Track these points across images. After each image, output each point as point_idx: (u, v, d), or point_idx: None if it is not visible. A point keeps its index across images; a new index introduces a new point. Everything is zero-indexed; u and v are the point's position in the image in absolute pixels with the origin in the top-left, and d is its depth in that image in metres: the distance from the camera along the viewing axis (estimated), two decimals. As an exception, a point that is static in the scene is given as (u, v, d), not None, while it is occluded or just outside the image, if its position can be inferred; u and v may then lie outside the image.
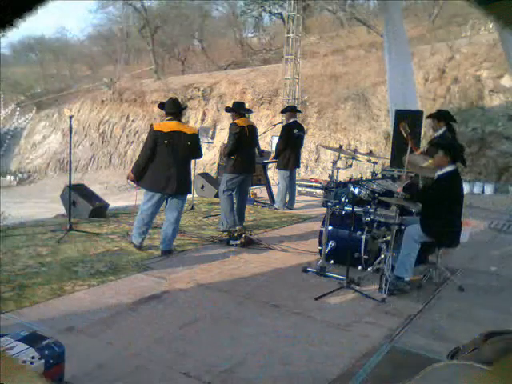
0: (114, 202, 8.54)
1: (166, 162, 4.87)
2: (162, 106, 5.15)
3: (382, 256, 4.40)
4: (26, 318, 3.31)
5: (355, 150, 6.05)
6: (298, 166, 8.36)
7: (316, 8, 25.25)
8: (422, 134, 8.47)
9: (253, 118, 15.05)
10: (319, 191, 9.36)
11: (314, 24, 24.47)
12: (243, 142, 6.03)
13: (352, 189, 4.67)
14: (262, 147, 9.19)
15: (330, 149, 6.56)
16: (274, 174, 11.49)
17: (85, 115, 22.83)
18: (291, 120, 7.90)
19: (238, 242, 5.51)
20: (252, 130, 6.25)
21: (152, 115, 20.14)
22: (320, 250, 4.95)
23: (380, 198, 4.74)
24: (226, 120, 16.94)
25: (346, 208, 4.94)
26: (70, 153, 6.13)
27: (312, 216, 7.53)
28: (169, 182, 4.88)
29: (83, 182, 8.35)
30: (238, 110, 6.21)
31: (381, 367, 2.90)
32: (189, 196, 5.67)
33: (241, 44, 27.02)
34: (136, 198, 5.33)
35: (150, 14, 25.38)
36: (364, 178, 5.21)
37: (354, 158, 5.06)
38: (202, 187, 8.97)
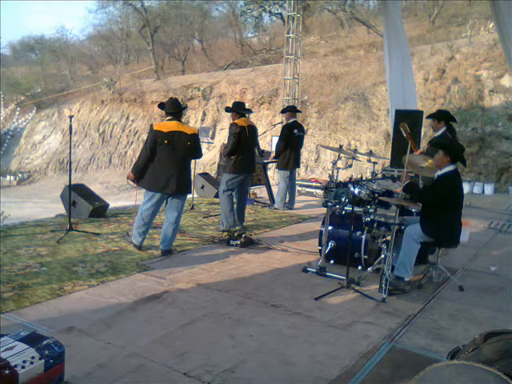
0: (113, 202, 8.56)
1: (166, 161, 4.87)
2: (162, 106, 5.15)
3: (382, 256, 4.39)
4: (26, 318, 3.32)
5: (355, 149, 6.04)
6: (298, 166, 8.36)
7: (316, 8, 25.23)
8: (422, 134, 8.46)
9: (253, 118, 15.05)
10: (319, 191, 9.37)
11: (314, 24, 24.44)
12: (243, 141, 6.03)
13: (352, 189, 4.66)
14: (262, 147, 9.19)
15: (330, 149, 6.56)
16: (274, 174, 11.50)
17: (85, 115, 22.83)
18: (291, 120, 7.90)
19: (238, 241, 5.52)
20: (252, 129, 6.25)
21: (152, 115, 20.14)
22: (320, 250, 4.95)
23: (380, 198, 4.74)
24: (226, 120, 16.94)
25: (346, 208, 4.93)
26: (70, 153, 6.14)
27: (312, 216, 7.53)
28: (169, 182, 4.88)
29: (83, 182, 8.36)
30: (238, 110, 6.21)
31: (381, 367, 2.90)
32: (189, 196, 5.67)
33: (241, 44, 27.01)
34: (136, 197, 5.33)
35: (150, 14, 25.36)
36: (364, 178, 5.21)
37: (354, 158, 5.05)
38: (202, 187, 8.97)
